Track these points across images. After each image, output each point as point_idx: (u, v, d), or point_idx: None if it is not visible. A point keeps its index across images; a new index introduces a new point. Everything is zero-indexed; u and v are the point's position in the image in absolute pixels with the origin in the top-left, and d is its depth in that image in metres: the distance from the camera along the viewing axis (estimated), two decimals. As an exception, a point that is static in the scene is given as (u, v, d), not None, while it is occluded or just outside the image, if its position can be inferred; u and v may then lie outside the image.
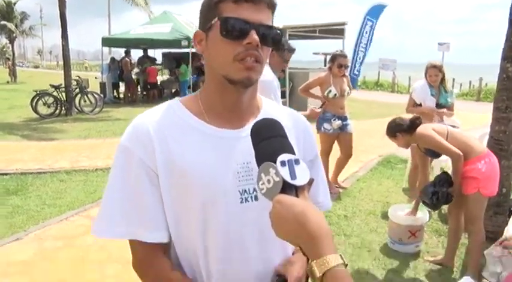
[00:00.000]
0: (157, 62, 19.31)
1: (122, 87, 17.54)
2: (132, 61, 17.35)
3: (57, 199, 5.47)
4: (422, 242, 4.25)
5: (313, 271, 0.77)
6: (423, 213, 4.24)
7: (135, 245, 1.13)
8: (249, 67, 1.06)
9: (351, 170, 6.72)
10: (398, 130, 3.79)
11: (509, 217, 4.08)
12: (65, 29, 13.12)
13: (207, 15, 1.10)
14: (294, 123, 1.27)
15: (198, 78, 15.92)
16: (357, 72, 12.56)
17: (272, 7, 1.10)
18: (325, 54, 18.70)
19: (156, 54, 20.45)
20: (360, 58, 12.54)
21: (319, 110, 4.75)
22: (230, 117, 1.16)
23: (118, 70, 17.02)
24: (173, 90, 17.57)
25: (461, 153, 3.37)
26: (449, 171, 3.68)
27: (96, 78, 18.54)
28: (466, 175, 3.41)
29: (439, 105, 5.08)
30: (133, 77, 17.17)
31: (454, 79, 17.44)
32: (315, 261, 0.77)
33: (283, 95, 8.00)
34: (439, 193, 3.46)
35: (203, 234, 1.10)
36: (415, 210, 4.10)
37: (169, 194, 1.10)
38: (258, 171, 0.90)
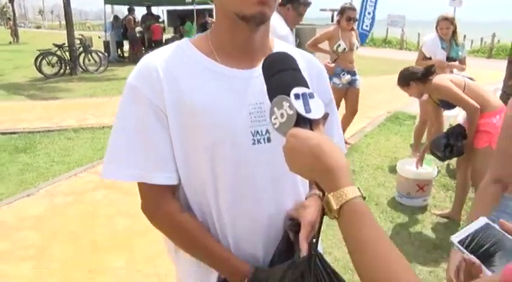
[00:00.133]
0: (161, 20, 18.97)
1: (126, 45, 17.30)
2: (136, 19, 17.03)
3: (66, 156, 5.50)
4: (430, 196, 4.25)
5: (330, 204, 0.74)
6: (432, 168, 4.22)
7: (143, 187, 1.11)
8: (262, 1, 1.00)
9: (358, 126, 6.68)
10: (412, 78, 3.64)
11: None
12: (66, -13, 12.81)
13: None
14: (308, 65, 1.21)
15: (203, 35, 15.63)
16: (366, 28, 12.25)
17: None
18: (333, 11, 18.22)
19: (160, 11, 20.07)
20: (369, 13, 12.20)
21: (333, 64, 4.66)
22: (241, 57, 1.11)
23: (121, 28, 16.73)
24: (178, 48, 17.27)
25: (478, 106, 3.29)
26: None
27: (99, 37, 18.28)
28: (479, 129, 3.34)
29: (449, 59, 4.97)
30: (138, 35, 16.90)
31: (465, 36, 17.03)
32: (331, 193, 0.74)
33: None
34: (454, 147, 3.40)
35: (213, 176, 1.08)
36: (420, 160, 4.06)
37: (178, 134, 1.07)
38: (270, 105, 0.86)
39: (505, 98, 4.21)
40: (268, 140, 1.10)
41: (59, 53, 12.71)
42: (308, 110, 0.83)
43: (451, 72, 4.89)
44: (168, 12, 19.12)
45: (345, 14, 5.36)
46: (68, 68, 12.81)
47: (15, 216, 3.90)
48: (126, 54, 17.33)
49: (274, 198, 1.14)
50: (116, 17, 17.41)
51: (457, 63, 4.94)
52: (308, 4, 3.96)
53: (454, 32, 4.94)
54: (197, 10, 14.59)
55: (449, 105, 3.63)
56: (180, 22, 17.03)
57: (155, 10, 19.23)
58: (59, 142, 6.08)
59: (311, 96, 0.85)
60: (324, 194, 0.78)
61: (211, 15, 14.79)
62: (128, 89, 1.08)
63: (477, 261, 1.13)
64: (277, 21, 3.42)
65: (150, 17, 17.80)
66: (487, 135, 3.28)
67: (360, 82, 5.72)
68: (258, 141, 1.09)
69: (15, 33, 28.97)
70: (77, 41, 13.30)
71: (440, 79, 3.51)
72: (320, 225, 0.88)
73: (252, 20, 1.03)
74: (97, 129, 6.63)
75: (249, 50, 1.11)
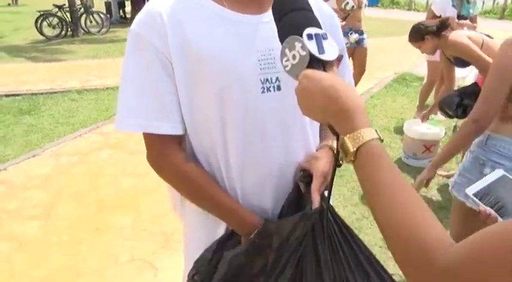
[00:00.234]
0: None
1: (128, 7, 16.94)
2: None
3: (70, 117, 5.47)
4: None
5: (346, 146, 0.70)
6: (439, 129, 4.17)
7: (149, 137, 1.08)
8: None
9: (365, 87, 6.59)
10: (427, 32, 3.44)
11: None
12: None
13: None
14: (319, 13, 1.15)
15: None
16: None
17: None
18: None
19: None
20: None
21: (343, 23, 4.53)
22: (249, 3, 1.05)
23: (123, -12, 16.36)
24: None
25: None
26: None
27: (100, -2, 17.90)
28: None
29: (460, 17, 4.81)
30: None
31: (476, -5, 16.46)
32: (347, 135, 0.70)
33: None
34: (468, 107, 3.30)
35: (221, 125, 1.04)
36: (427, 116, 3.98)
37: (184, 82, 1.02)
38: (281, 47, 0.81)
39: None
40: (278, 88, 1.05)
41: (59, 14, 12.46)
42: (321, 51, 0.78)
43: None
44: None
45: (353, -29, 5.18)
46: (69, 29, 12.58)
47: (21, 176, 3.92)
48: (128, 16, 16.98)
49: (284, 148, 1.10)
50: (117, -23, 16.99)
51: (467, 21, 4.79)
52: None
53: (466, -11, 4.77)
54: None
55: (464, 63, 3.48)
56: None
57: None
58: (63, 104, 6.04)
59: (324, 37, 0.80)
60: (338, 138, 0.75)
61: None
62: (132, 37, 1.03)
63: (493, 212, 1.11)
64: None
65: (152, -23, 17.31)
66: None
67: (368, 41, 5.59)
68: (268, 89, 1.05)
69: (14, -5, 28.37)
70: (78, 2, 13.02)
71: (457, 35, 3.35)
72: (333, 177, 0.85)
73: None
74: (101, 90, 6.57)
75: None
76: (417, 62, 7.80)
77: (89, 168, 4.07)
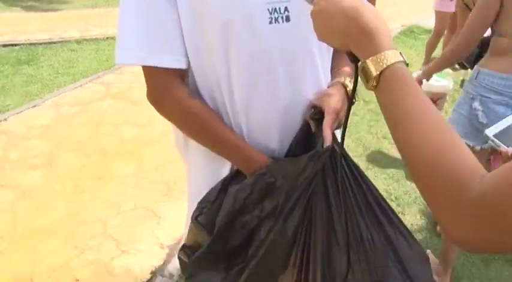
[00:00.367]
0: None
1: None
2: None
3: (70, 68, 5.37)
4: (443, 111, 4.14)
5: (368, 70, 0.63)
6: (446, 81, 4.06)
7: (150, 71, 1.02)
8: None
9: (371, 39, 6.41)
10: None
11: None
12: None
13: None
14: None
15: None
16: None
17: None
18: None
19: None
20: None
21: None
22: None
23: None
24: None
25: None
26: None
27: None
28: None
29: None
30: None
31: None
32: (370, 58, 0.64)
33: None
34: None
35: (226, 57, 0.98)
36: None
37: (187, 13, 0.95)
38: None
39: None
40: (287, 19, 0.98)
41: (56, -39, 12.03)
42: None
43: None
44: None
45: None
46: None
47: (22, 126, 3.87)
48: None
49: (292, 84, 1.04)
50: None
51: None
52: None
53: None
54: None
55: None
56: None
57: None
58: (62, 54, 5.91)
59: None
60: (356, 67, 0.68)
61: None
62: None
63: (515, 151, 1.07)
64: None
65: None
66: None
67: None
68: (276, 19, 0.97)
69: None
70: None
71: None
72: (347, 115, 0.79)
73: None
74: (101, 40, 6.41)
75: None
76: (425, 14, 7.56)
77: (90, 118, 4.01)
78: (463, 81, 4.82)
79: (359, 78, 0.69)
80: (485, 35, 3.80)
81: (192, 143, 1.10)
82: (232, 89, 1.00)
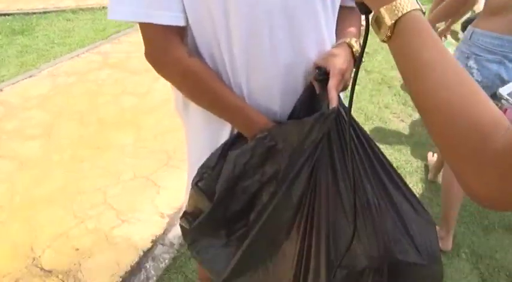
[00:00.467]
0: None
1: None
2: None
3: (66, 38, 5.27)
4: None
5: (382, 20, 0.58)
6: (450, 50, 3.99)
7: (148, 29, 0.96)
8: None
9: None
10: None
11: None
12: None
13: None
14: None
15: None
16: None
17: None
18: None
19: None
20: None
21: None
22: None
23: None
24: None
25: None
26: None
27: None
28: None
29: None
30: None
31: None
32: (384, 7, 0.59)
33: None
34: None
35: (224, 8, 0.92)
36: (444, 32, 3.80)
37: None
38: None
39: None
40: None
41: None
42: None
43: None
44: None
45: None
46: None
47: (19, 97, 3.82)
48: None
49: (294, 42, 0.99)
50: None
51: None
52: None
53: None
54: None
55: None
56: None
57: None
58: (58, 24, 5.80)
59: None
60: (367, 18, 0.64)
61: None
62: None
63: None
64: None
65: None
66: None
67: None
68: None
69: None
70: None
71: None
72: (356, 76, 0.75)
73: None
74: (97, 9, 6.29)
75: None
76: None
77: (88, 88, 3.95)
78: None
79: (371, 30, 0.64)
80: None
81: (192, 105, 1.06)
82: (232, 44, 0.95)
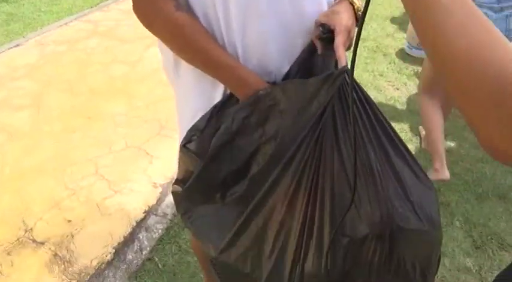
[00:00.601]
0: None
1: None
2: None
3: (53, 5, 5.12)
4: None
5: None
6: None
7: None
8: None
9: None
10: None
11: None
12: None
13: None
14: None
15: None
16: None
17: None
18: None
19: None
20: None
21: None
22: None
23: None
24: None
25: None
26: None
27: None
28: None
29: None
30: None
31: None
32: None
33: None
34: None
35: None
36: None
37: None
38: None
39: None
40: None
41: None
42: None
43: None
44: None
45: None
46: None
47: (6, 66, 3.73)
48: None
49: (293, 9, 0.93)
50: None
51: None
52: None
53: None
54: None
55: None
56: None
57: None
58: (45, -10, 5.63)
59: None
60: None
61: None
62: None
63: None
64: None
65: None
66: None
67: None
68: None
69: None
70: None
71: None
72: (359, 35, 0.70)
73: None
74: (85, -24, 6.10)
75: None
76: None
77: (78, 57, 3.86)
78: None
79: None
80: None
81: (184, 65, 1.00)
82: (228, 7, 0.89)
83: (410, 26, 4.03)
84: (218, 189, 1.00)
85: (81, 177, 2.47)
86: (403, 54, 3.98)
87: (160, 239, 2.08)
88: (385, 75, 3.61)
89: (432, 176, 2.21)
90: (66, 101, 3.19)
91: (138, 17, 0.94)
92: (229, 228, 0.99)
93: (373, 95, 3.32)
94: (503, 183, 2.39)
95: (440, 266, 1.41)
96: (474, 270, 1.92)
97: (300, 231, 0.90)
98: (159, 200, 2.30)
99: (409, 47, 4.01)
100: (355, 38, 0.70)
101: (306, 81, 0.89)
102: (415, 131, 2.86)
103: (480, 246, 2.03)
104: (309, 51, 0.96)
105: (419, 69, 3.66)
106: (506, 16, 1.90)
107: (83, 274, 1.92)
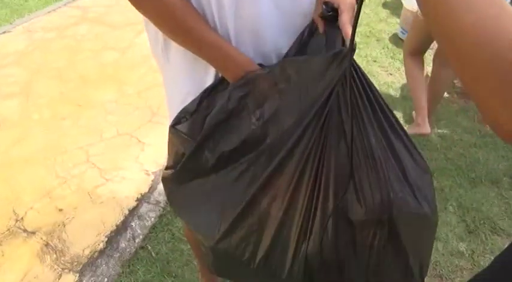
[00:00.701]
0: None
1: None
2: None
3: (41, -9, 5.02)
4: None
5: None
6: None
7: None
8: None
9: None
10: None
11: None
12: None
13: None
14: None
15: None
16: None
17: None
18: None
19: None
20: None
21: None
22: None
23: None
24: None
25: None
26: None
27: None
28: None
29: None
30: None
31: None
32: None
33: None
34: None
35: None
36: None
37: None
38: None
39: None
40: None
41: None
42: None
43: None
44: None
45: None
46: None
47: (-6, 54, 3.66)
48: None
49: None
50: None
51: None
52: None
53: None
54: None
55: None
56: None
57: None
58: (32, -24, 5.52)
59: None
60: None
61: None
62: None
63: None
64: None
65: None
66: None
67: None
68: None
69: None
70: None
71: None
72: (358, 15, 0.67)
73: None
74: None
75: None
76: None
77: (67, 44, 3.79)
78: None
79: None
80: None
81: (174, 47, 0.96)
82: None
83: (403, 11, 3.99)
84: (211, 172, 0.96)
85: (72, 165, 2.44)
86: (396, 39, 3.96)
87: (153, 227, 2.06)
88: (378, 60, 3.59)
89: (414, 130, 2.36)
90: (55, 88, 3.14)
91: None
92: (223, 209, 0.96)
93: (367, 80, 3.30)
94: (496, 168, 2.39)
95: (433, 251, 1.41)
96: (467, 255, 1.93)
97: (304, 212, 0.88)
98: (152, 188, 2.28)
99: (402, 32, 3.98)
100: (354, 16, 0.68)
101: (309, 59, 0.84)
102: (407, 116, 2.85)
103: (473, 230, 2.04)
104: (309, 31, 0.92)
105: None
106: None
107: (75, 263, 1.90)
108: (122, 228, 2.06)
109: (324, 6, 0.89)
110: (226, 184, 0.95)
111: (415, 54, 2.45)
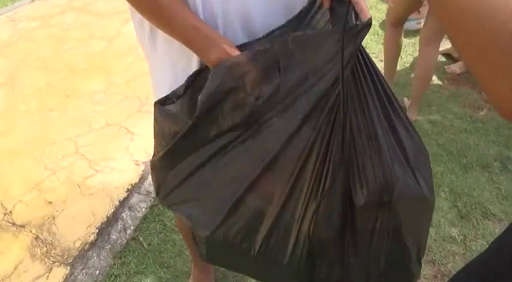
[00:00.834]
0: None
1: None
2: None
3: (25, -21, 4.91)
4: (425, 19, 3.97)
5: None
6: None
7: None
8: None
9: None
10: None
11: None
12: None
13: None
14: None
15: None
16: None
17: None
18: None
19: None
20: None
21: None
22: None
23: None
24: None
25: None
26: None
27: None
28: None
29: None
30: None
31: None
32: None
33: None
34: None
35: None
36: None
37: None
38: None
39: None
40: None
41: None
42: None
43: None
44: None
45: None
46: None
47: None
48: None
49: None
50: None
51: None
52: None
53: None
54: None
55: None
56: None
57: None
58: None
59: None
60: None
61: None
62: None
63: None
64: None
65: None
66: None
67: None
68: None
69: None
70: None
71: None
72: None
73: None
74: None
75: None
76: None
77: (53, 33, 3.71)
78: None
79: None
80: None
81: (161, 37, 0.93)
82: None
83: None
84: (206, 149, 0.90)
85: (60, 157, 2.40)
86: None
87: (145, 218, 2.04)
88: (368, 47, 3.56)
89: None
90: (41, 79, 3.08)
91: None
92: (220, 194, 0.92)
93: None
94: (486, 153, 2.40)
95: (427, 237, 1.41)
96: (459, 240, 1.93)
97: (309, 194, 0.85)
98: (142, 178, 2.25)
99: (392, 18, 3.96)
100: None
101: (314, 34, 0.80)
102: (399, 102, 2.84)
103: (465, 215, 2.04)
104: (307, 8, 0.88)
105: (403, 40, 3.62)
106: None
107: (66, 256, 1.88)
108: (112, 219, 2.04)
109: None
110: (225, 166, 0.90)
111: (397, 24, 2.59)
